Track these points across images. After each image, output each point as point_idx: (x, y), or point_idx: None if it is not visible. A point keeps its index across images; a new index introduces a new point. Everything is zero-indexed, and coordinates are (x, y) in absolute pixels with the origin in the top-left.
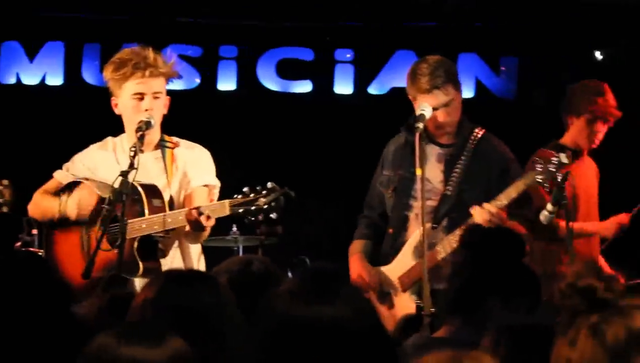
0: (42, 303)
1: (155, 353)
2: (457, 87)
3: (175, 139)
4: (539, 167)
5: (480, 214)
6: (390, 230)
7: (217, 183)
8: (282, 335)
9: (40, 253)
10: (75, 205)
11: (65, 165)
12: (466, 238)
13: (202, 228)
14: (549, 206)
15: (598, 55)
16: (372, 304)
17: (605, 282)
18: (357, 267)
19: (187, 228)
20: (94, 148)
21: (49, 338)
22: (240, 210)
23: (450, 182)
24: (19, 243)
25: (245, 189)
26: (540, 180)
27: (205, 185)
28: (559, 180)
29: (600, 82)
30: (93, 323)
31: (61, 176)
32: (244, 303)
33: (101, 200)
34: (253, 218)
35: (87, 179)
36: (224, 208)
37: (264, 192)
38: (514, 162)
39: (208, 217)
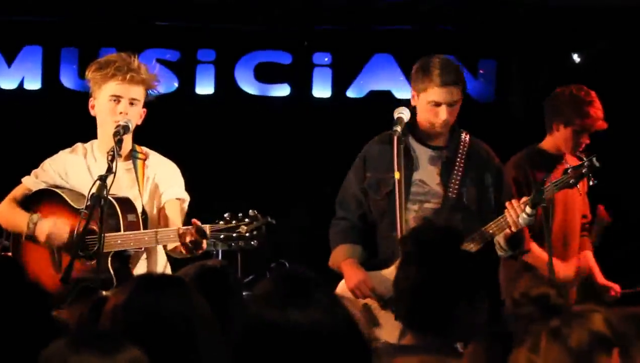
0: (21, 308)
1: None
2: (464, 91)
3: (144, 149)
4: (570, 172)
5: (516, 214)
6: (393, 234)
7: (187, 198)
8: (254, 339)
9: None
10: (45, 235)
11: (35, 172)
12: (410, 246)
13: (200, 247)
14: (528, 209)
15: (576, 57)
16: (348, 309)
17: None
18: (355, 273)
19: (183, 251)
20: (63, 153)
21: (29, 343)
22: (222, 236)
23: (451, 185)
24: None
25: (226, 215)
26: (572, 183)
27: (179, 199)
28: (571, 182)
29: (588, 90)
30: (75, 328)
31: (30, 183)
32: (208, 299)
33: (72, 232)
34: (232, 244)
35: (57, 187)
36: (204, 233)
37: (246, 220)
38: (502, 166)
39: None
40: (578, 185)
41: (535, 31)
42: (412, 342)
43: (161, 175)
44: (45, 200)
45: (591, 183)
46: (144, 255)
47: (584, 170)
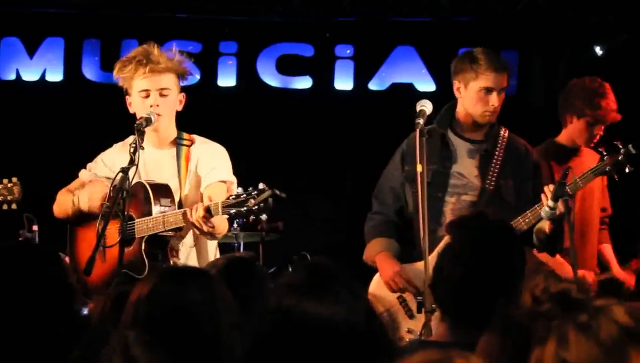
0: (43, 299)
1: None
2: (508, 80)
3: (193, 136)
4: (607, 159)
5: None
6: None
7: (234, 180)
8: (272, 325)
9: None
10: (86, 198)
11: (89, 165)
12: (464, 239)
13: (205, 228)
14: (550, 202)
15: (598, 50)
16: (371, 306)
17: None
18: (389, 266)
19: (196, 229)
20: (116, 147)
21: (48, 334)
22: (232, 211)
23: (489, 177)
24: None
25: (238, 190)
26: (609, 170)
27: (223, 181)
28: (608, 170)
29: (602, 81)
30: (97, 320)
31: (85, 176)
32: (236, 290)
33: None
34: (245, 219)
35: (108, 179)
36: (217, 209)
37: (255, 193)
38: (540, 161)
39: (205, 218)
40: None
41: (557, 22)
42: (444, 337)
43: (204, 159)
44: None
45: (627, 170)
46: (192, 242)
47: (620, 158)
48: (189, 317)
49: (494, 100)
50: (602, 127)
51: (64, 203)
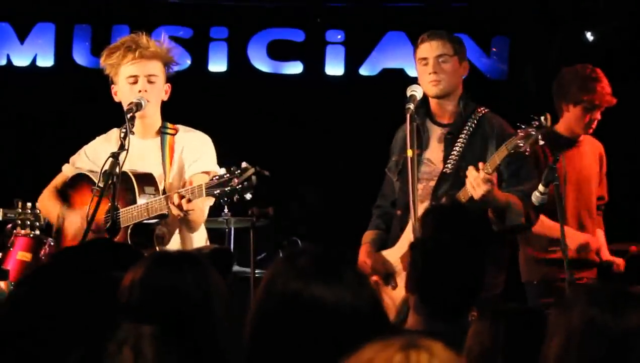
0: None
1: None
2: (458, 53)
3: (177, 125)
4: (520, 132)
5: (473, 177)
6: (399, 212)
7: (218, 170)
8: (275, 306)
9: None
10: (72, 233)
11: (72, 158)
12: (435, 238)
13: (183, 212)
14: (540, 187)
15: (589, 35)
16: (375, 292)
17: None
18: (362, 254)
19: (175, 213)
20: (99, 140)
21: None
22: (216, 192)
23: (449, 160)
24: (9, 226)
25: (220, 170)
26: (522, 144)
27: (206, 172)
28: (540, 144)
29: (593, 67)
30: None
31: (67, 170)
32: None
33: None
34: (228, 200)
35: (92, 172)
36: (201, 190)
37: (237, 172)
38: None
39: (188, 200)
40: (530, 149)
41: (548, 8)
42: (416, 326)
43: (188, 149)
44: (82, 182)
45: (540, 143)
46: (177, 231)
47: (532, 131)
48: (182, 300)
49: (430, 67)
50: (599, 112)
51: (48, 210)
